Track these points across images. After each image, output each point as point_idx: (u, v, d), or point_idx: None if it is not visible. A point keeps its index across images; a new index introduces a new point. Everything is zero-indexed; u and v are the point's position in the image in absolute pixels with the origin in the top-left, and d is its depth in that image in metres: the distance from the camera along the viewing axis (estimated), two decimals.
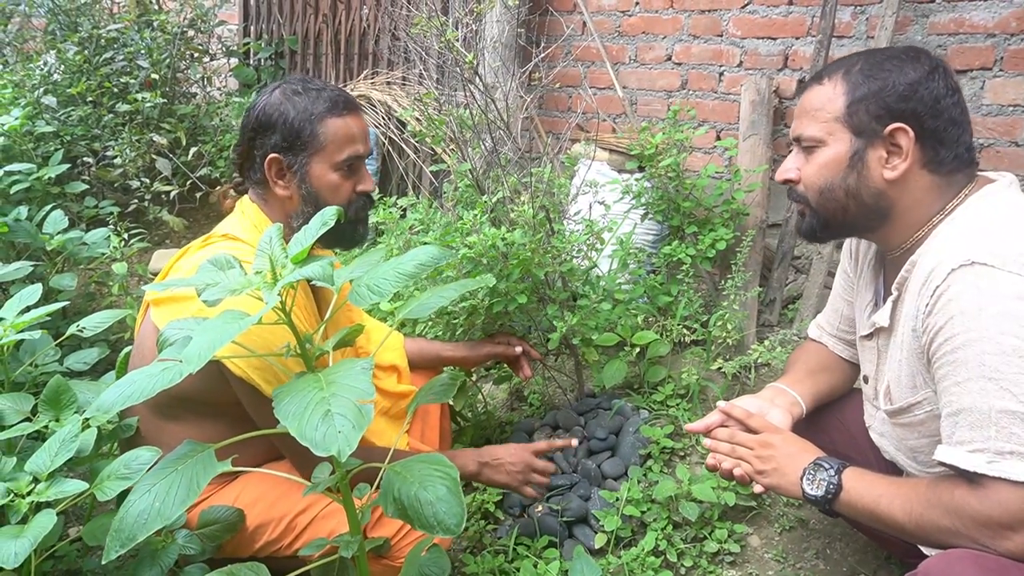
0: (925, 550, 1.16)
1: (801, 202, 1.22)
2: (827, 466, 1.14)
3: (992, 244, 1.00)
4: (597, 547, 1.62)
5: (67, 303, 1.95)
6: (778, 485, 1.20)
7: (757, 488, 1.25)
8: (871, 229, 1.19)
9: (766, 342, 2.05)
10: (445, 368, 1.81)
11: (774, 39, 2.67)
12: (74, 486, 1.10)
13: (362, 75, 3.93)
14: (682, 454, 1.89)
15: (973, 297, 0.98)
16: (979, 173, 1.15)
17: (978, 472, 0.96)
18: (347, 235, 1.40)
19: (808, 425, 1.38)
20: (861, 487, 1.11)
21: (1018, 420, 0.93)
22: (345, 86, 3.92)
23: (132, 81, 3.54)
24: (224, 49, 4.31)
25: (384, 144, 3.68)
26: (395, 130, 3.64)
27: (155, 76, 3.58)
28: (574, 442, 1.61)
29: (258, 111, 1.33)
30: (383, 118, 3.64)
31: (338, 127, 1.32)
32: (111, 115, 3.47)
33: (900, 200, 1.13)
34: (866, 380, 1.31)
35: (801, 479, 1.17)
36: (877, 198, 1.14)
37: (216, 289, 0.96)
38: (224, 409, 1.27)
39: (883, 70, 1.11)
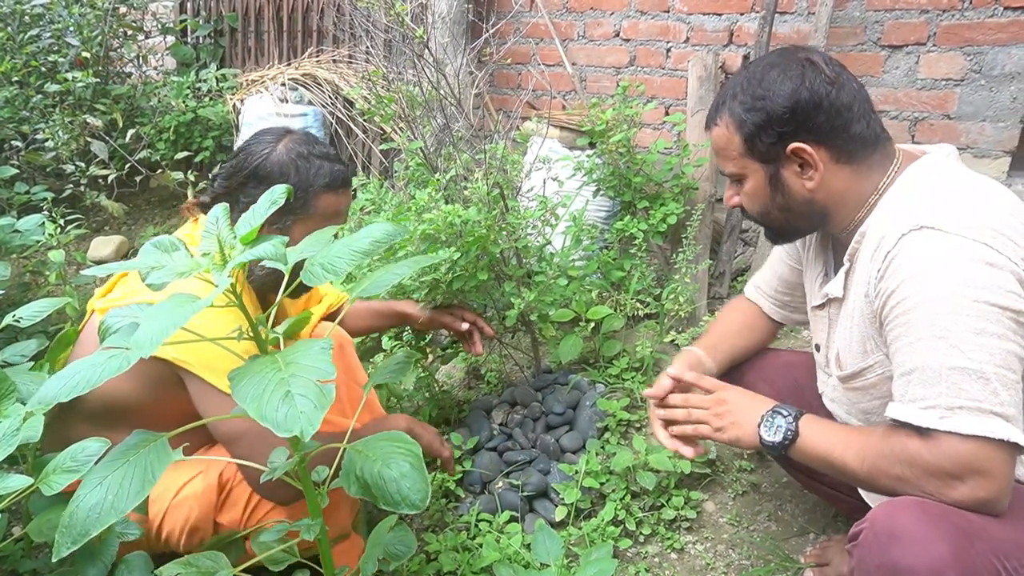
0: (870, 500, 1.21)
1: (753, 220, 1.29)
2: (784, 413, 1.17)
3: (938, 210, 1.05)
4: (558, 519, 1.64)
5: (1, 293, 1.86)
6: (737, 438, 1.22)
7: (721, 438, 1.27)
8: (820, 225, 1.26)
9: (716, 313, 2.09)
10: (398, 350, 1.80)
11: (719, 15, 2.70)
12: (18, 481, 1.05)
13: (307, 53, 3.82)
14: (638, 425, 1.93)
15: (923, 260, 1.02)
16: (910, 147, 1.20)
17: (931, 428, 1.00)
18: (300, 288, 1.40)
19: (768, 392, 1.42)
20: (817, 434, 1.14)
21: (967, 376, 0.98)
22: (289, 64, 3.81)
23: (61, 60, 3.37)
24: (160, 27, 4.14)
25: (332, 124, 3.60)
26: (343, 109, 3.56)
27: (86, 54, 3.43)
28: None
29: (258, 161, 1.32)
30: (330, 97, 3.56)
31: (330, 203, 1.36)
32: (40, 96, 3.30)
33: (830, 199, 1.18)
34: (817, 348, 1.35)
35: (759, 427, 1.19)
36: (809, 205, 1.19)
37: (162, 272, 0.92)
38: (167, 420, 1.22)
39: (759, 98, 1.15)
